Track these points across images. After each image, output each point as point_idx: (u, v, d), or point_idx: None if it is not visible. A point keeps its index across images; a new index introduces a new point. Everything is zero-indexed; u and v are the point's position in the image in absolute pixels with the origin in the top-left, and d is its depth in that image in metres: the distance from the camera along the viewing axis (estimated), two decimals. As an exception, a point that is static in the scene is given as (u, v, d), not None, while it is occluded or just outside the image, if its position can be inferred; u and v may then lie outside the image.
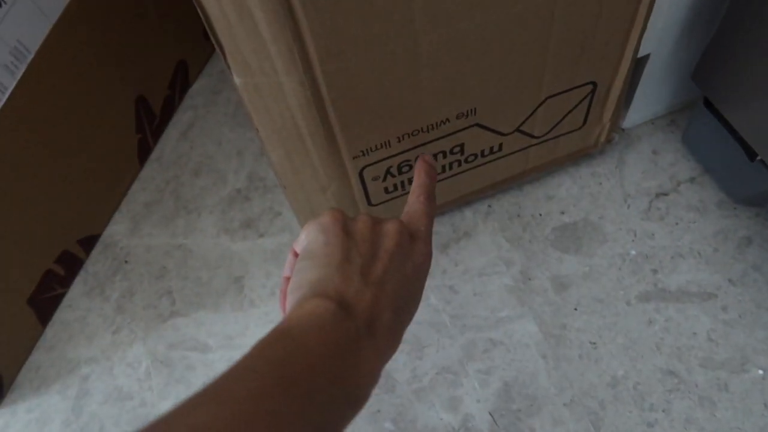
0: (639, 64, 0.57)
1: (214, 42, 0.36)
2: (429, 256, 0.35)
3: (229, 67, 0.38)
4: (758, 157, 0.52)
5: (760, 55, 0.47)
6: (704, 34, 0.55)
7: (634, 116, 0.65)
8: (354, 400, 0.28)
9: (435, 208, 0.38)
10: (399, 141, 0.47)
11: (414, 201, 0.38)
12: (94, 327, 0.62)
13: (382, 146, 0.47)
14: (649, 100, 0.63)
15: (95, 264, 0.66)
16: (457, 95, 0.45)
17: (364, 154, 0.47)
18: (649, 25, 0.48)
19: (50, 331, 0.62)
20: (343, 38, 0.37)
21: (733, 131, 0.54)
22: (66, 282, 0.64)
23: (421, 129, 0.47)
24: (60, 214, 0.61)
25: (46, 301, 0.62)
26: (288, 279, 0.34)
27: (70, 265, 0.64)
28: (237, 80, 0.38)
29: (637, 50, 0.50)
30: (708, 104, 0.56)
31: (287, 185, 0.49)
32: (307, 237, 0.33)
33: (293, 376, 0.26)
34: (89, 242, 0.66)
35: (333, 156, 0.46)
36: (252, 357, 0.26)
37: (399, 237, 0.33)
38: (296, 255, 0.35)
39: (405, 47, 0.39)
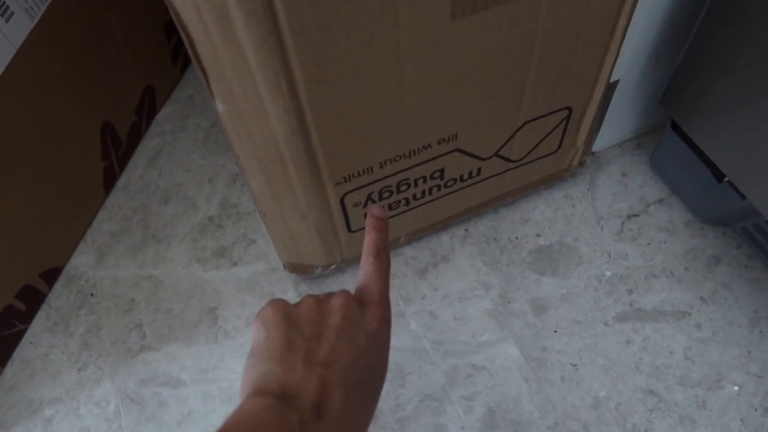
0: (609, 89, 0.58)
1: (197, 68, 0.35)
2: (384, 320, 0.33)
3: (211, 94, 0.37)
4: (726, 179, 0.54)
5: (726, 80, 0.48)
6: (670, 61, 0.57)
7: (602, 140, 0.66)
8: None
9: (388, 265, 0.36)
10: (381, 167, 0.47)
11: (364, 262, 0.36)
12: (57, 365, 0.59)
13: (364, 172, 0.47)
14: (618, 124, 0.65)
15: (58, 298, 0.63)
16: (440, 120, 0.46)
17: (346, 181, 0.47)
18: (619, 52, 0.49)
19: (10, 371, 0.59)
20: (331, 65, 0.36)
21: (700, 154, 0.56)
22: (27, 318, 0.61)
23: (404, 154, 0.47)
24: (21, 246, 0.58)
25: (5, 338, 0.59)
26: None
27: (32, 300, 0.61)
28: (220, 107, 0.37)
29: (610, 76, 0.51)
30: (675, 128, 0.58)
31: (267, 213, 0.48)
32: (253, 335, 0.33)
33: None
34: (52, 275, 0.63)
35: (315, 183, 0.45)
36: None
37: (345, 309, 0.32)
38: None
39: (390, 73, 0.39)
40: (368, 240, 0.37)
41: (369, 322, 0.32)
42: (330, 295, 0.33)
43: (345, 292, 0.33)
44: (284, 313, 0.32)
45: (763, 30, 0.43)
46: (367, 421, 0.30)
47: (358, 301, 0.33)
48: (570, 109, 0.52)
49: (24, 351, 0.60)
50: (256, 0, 0.31)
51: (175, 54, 0.75)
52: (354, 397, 0.30)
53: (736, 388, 0.54)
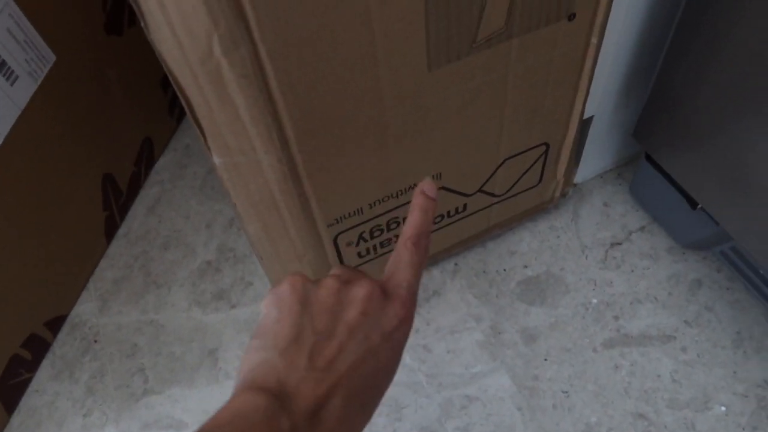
0: (584, 125, 0.61)
1: (194, 125, 0.38)
2: (406, 319, 0.30)
3: (209, 149, 0.39)
4: (699, 206, 0.57)
5: (690, 113, 0.52)
6: (640, 96, 0.60)
7: (584, 172, 0.69)
8: None
9: (426, 256, 0.33)
10: (371, 207, 0.50)
11: (401, 247, 0.32)
12: (63, 411, 0.60)
13: (354, 213, 0.49)
14: (597, 156, 0.68)
15: (63, 346, 0.64)
16: (423, 162, 0.48)
17: (338, 222, 0.49)
18: (590, 90, 0.52)
19: (16, 419, 0.60)
20: (319, 118, 0.39)
21: (674, 183, 0.59)
22: (33, 366, 0.62)
23: (391, 195, 0.50)
24: (26, 296, 0.60)
25: (11, 387, 0.60)
26: None
27: (37, 349, 0.63)
28: (217, 160, 0.40)
29: (582, 113, 0.54)
30: (649, 159, 0.61)
31: (264, 256, 0.51)
32: (264, 310, 0.30)
33: None
34: (56, 323, 0.65)
35: (308, 225, 0.48)
36: None
37: (366, 303, 0.29)
38: None
39: (374, 122, 0.42)
40: (411, 221, 0.33)
41: (389, 320, 0.29)
42: (354, 280, 0.30)
43: (370, 282, 0.30)
44: (302, 294, 0.29)
45: (720, 66, 0.46)
46: (361, 428, 0.29)
47: (382, 292, 0.30)
48: (547, 144, 0.55)
49: (30, 399, 0.61)
50: (247, 64, 0.34)
51: (171, 105, 0.78)
52: (353, 404, 0.28)
53: (723, 408, 0.56)
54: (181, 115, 0.81)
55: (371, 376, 0.29)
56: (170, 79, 0.35)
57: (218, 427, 0.25)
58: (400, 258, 0.32)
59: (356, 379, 0.28)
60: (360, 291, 0.30)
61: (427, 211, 0.34)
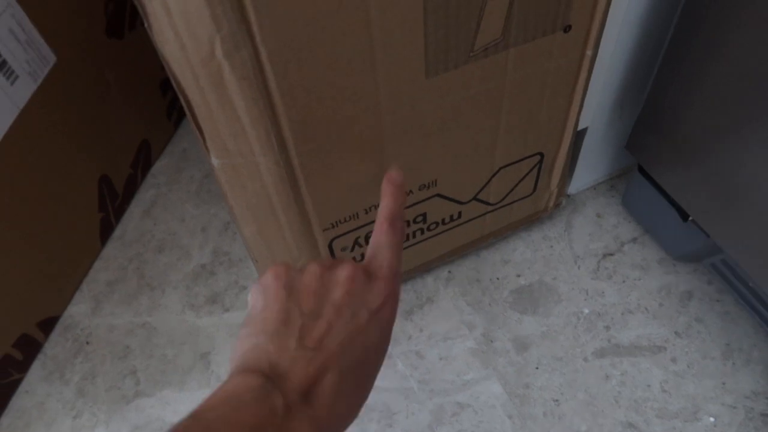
0: (578, 136, 0.62)
1: (193, 126, 0.39)
2: (391, 296, 0.31)
3: (207, 150, 0.40)
4: (690, 218, 0.57)
5: (684, 125, 0.52)
6: (634, 110, 0.61)
7: (577, 183, 0.70)
8: None
9: (402, 237, 0.33)
10: (366, 212, 0.50)
11: (377, 231, 0.33)
12: (53, 413, 0.60)
13: (350, 218, 0.50)
14: (590, 168, 0.68)
15: (54, 347, 0.64)
16: (419, 168, 0.49)
17: (333, 226, 0.50)
18: (585, 102, 0.53)
19: (5, 420, 0.60)
20: (316, 121, 0.40)
21: (666, 195, 0.59)
22: (23, 367, 0.62)
23: (387, 201, 0.50)
24: (19, 296, 0.60)
25: (2, 388, 0.60)
26: None
27: (29, 349, 0.62)
28: (215, 161, 0.40)
29: (576, 124, 0.55)
30: (642, 171, 0.61)
31: (259, 259, 0.51)
32: (250, 301, 0.31)
33: None
34: (49, 324, 0.65)
35: (304, 229, 0.48)
36: None
37: (350, 284, 0.30)
38: None
39: (371, 127, 0.43)
40: (384, 206, 0.34)
41: (374, 298, 0.30)
42: (336, 264, 0.31)
43: (352, 263, 0.31)
44: (286, 280, 0.30)
45: (713, 80, 0.47)
46: (358, 406, 0.29)
47: (365, 273, 0.31)
48: (541, 154, 0.56)
49: (20, 400, 0.61)
50: (248, 66, 0.35)
51: (169, 109, 0.79)
52: (347, 381, 0.28)
53: (712, 419, 0.56)
54: (179, 119, 0.81)
55: (362, 354, 0.29)
56: (171, 79, 0.36)
57: (212, 408, 0.25)
58: (378, 241, 0.32)
59: (347, 357, 0.28)
60: (343, 272, 0.30)
61: (397, 197, 0.34)
